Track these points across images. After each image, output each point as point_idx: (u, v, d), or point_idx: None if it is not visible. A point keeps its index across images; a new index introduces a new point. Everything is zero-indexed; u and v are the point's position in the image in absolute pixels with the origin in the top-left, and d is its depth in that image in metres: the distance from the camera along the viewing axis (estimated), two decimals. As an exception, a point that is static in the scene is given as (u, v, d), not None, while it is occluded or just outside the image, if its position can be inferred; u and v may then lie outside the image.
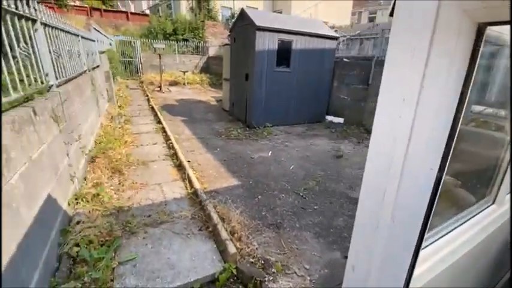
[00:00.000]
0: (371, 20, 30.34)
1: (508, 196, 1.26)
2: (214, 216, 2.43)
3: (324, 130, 6.25)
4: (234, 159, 4.23)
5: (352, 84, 6.55)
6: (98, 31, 7.81)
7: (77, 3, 24.97)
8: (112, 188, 3.02)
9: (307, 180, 3.56)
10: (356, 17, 31.34)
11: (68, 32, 3.35)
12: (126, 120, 5.80)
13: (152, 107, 7.49)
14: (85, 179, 2.97)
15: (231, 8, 19.24)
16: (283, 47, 5.78)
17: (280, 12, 20.21)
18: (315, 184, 3.44)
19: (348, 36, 10.55)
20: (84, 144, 3.30)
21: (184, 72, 12.89)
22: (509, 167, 1.15)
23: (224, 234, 2.21)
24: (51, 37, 2.56)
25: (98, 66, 6.01)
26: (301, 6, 20.70)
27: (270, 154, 4.51)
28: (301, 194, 3.16)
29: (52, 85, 2.36)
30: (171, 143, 4.52)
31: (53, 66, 2.47)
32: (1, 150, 1.07)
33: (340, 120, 6.95)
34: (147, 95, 9.23)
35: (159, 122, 6.00)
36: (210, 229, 2.39)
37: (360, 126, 6.31)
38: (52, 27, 2.60)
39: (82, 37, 4.34)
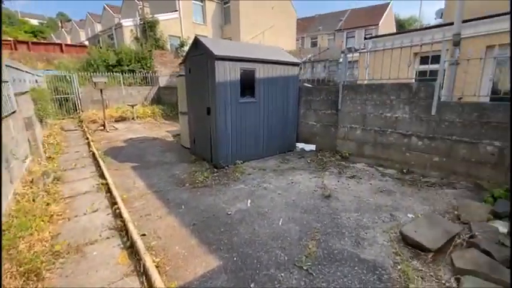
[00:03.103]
0: (314, 44, 33.20)
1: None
2: None
3: (298, 161, 5.72)
4: (206, 219, 3.32)
5: (320, 110, 6.26)
6: (16, 68, 6.34)
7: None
8: (17, 316, 1.87)
9: (305, 240, 2.83)
10: (300, 42, 33.86)
11: None
12: (56, 179, 4.47)
13: (93, 153, 6.15)
14: (-37, 314, 1.78)
15: (179, 37, 18.71)
16: (246, 76, 5.24)
17: (230, 39, 20.37)
18: (316, 246, 2.72)
19: (303, 59, 10.71)
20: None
21: (132, 106, 11.61)
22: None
23: None
24: None
25: (13, 113, 4.64)
26: (249, 34, 21.22)
27: (249, 204, 3.71)
28: (304, 267, 2.41)
29: None
30: (118, 208, 3.42)
31: None
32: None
33: (312, 147, 6.55)
34: (88, 137, 7.76)
35: (102, 174, 4.79)
36: None
37: (334, 152, 5.94)
38: None
39: (-24, 79, 3.13)
